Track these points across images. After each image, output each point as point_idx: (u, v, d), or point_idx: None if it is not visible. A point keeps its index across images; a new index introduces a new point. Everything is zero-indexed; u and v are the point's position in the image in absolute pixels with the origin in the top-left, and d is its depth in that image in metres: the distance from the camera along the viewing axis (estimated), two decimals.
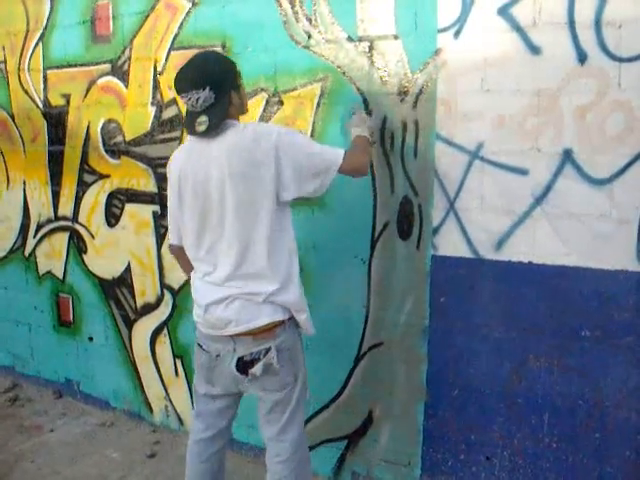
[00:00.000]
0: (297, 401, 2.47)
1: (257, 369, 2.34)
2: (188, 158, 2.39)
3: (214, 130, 2.28)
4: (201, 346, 2.50)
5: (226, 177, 2.25)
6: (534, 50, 2.43)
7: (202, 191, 2.32)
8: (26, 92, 4.10)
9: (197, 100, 2.26)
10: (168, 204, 2.55)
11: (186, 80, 2.30)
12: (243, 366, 2.37)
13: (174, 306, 3.64)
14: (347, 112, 2.84)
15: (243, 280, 2.34)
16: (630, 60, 2.27)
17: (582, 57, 2.34)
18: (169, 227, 2.62)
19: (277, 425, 2.48)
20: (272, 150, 2.23)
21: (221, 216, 2.31)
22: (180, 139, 3.37)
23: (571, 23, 2.35)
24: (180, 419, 3.75)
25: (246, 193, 2.25)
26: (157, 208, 3.58)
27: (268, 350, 2.34)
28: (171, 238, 2.63)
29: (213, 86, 2.26)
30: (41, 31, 3.91)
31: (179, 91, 2.33)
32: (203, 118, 2.28)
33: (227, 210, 2.29)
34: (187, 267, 2.64)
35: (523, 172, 2.51)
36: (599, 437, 2.53)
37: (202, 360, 2.52)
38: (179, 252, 2.63)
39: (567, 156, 2.42)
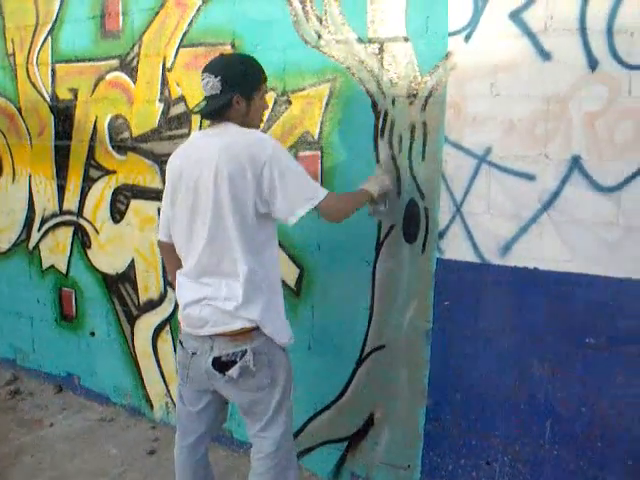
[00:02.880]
0: (278, 403, 2.47)
1: (234, 371, 2.35)
2: (185, 155, 2.46)
3: (205, 115, 2.43)
4: (181, 343, 2.54)
5: (214, 176, 2.28)
6: (545, 55, 2.42)
7: (193, 187, 2.36)
8: (34, 86, 4.10)
9: (207, 84, 2.37)
10: (162, 200, 2.59)
11: (210, 64, 2.43)
12: (220, 366, 2.39)
13: (177, 303, 3.62)
14: (355, 112, 2.85)
15: (216, 278, 2.38)
16: None
17: (593, 64, 2.33)
18: (160, 223, 2.65)
19: (259, 423, 2.50)
20: (261, 163, 2.26)
21: (205, 214, 2.34)
22: (188, 136, 3.36)
23: (582, 29, 2.33)
24: None
25: (228, 195, 2.28)
26: None
27: (245, 352, 2.35)
28: (160, 234, 2.66)
29: (223, 79, 2.35)
30: (50, 25, 3.91)
31: (202, 70, 2.43)
32: (203, 102, 2.42)
33: (210, 209, 2.32)
34: (171, 265, 2.69)
35: (531, 178, 2.50)
36: (601, 445, 2.52)
37: (179, 357, 2.57)
38: (165, 248, 2.69)
39: (575, 163, 2.41)
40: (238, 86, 2.37)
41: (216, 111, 2.38)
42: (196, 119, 3.33)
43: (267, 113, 2.87)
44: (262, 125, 2.61)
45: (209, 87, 2.36)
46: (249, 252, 2.33)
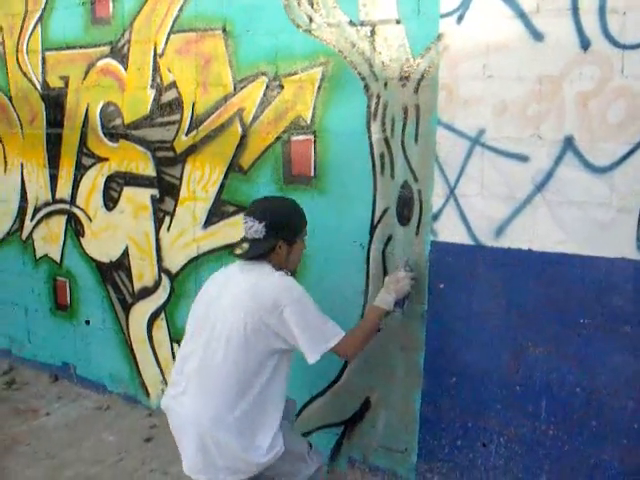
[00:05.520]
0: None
1: None
2: (221, 279, 2.54)
3: (247, 259, 2.47)
4: None
5: (234, 306, 2.37)
6: (537, 36, 2.41)
7: (213, 311, 2.44)
8: (24, 74, 4.08)
9: (250, 228, 2.44)
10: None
11: (254, 207, 2.51)
12: None
13: (171, 290, 3.63)
14: (348, 96, 2.84)
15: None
16: (633, 47, 2.26)
17: (585, 44, 2.33)
18: None
19: None
20: (280, 307, 2.33)
21: (217, 341, 2.38)
22: (180, 123, 3.36)
23: (574, 9, 2.33)
24: None
25: (242, 328, 2.33)
26: (156, 192, 3.57)
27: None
28: None
29: (268, 225, 2.42)
30: (40, 12, 3.89)
31: (245, 213, 2.51)
32: (245, 246, 2.51)
33: (222, 336, 2.37)
34: None
35: (524, 159, 2.50)
36: (596, 425, 2.53)
37: None
38: None
39: (568, 143, 2.41)
40: (282, 232, 2.45)
41: (259, 256, 2.44)
42: (188, 105, 3.32)
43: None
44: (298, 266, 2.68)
45: (252, 231, 2.43)
46: (251, 385, 2.37)
